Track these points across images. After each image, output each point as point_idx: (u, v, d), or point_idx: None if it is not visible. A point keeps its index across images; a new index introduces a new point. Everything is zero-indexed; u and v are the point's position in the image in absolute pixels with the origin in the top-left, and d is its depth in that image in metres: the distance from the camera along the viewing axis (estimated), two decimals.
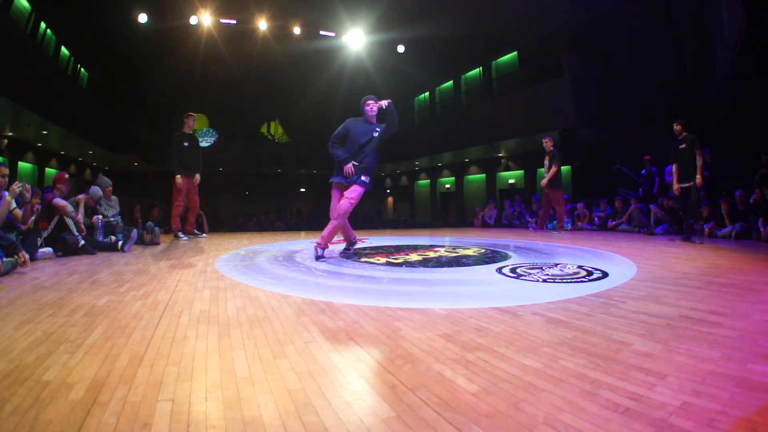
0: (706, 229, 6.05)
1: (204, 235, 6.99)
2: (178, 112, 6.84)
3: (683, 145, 5.47)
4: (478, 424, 1.02)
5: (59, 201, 4.49)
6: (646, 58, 9.42)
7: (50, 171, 12.83)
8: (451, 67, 15.06)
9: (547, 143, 7.70)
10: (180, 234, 6.36)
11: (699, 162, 5.28)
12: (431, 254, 4.27)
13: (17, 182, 3.80)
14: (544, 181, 7.53)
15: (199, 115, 5.99)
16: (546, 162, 7.63)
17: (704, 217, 6.27)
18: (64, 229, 4.50)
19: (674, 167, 5.59)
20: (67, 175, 4.79)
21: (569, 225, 8.52)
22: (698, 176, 5.28)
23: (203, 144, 14.58)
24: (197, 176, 6.38)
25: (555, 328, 1.77)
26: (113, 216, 5.42)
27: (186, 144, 6.26)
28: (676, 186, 5.57)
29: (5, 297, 2.43)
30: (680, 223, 7.10)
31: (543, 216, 7.86)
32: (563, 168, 12.31)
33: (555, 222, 8.14)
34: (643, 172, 8.56)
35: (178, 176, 6.13)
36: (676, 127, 5.58)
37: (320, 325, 1.89)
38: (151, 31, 11.15)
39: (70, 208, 4.54)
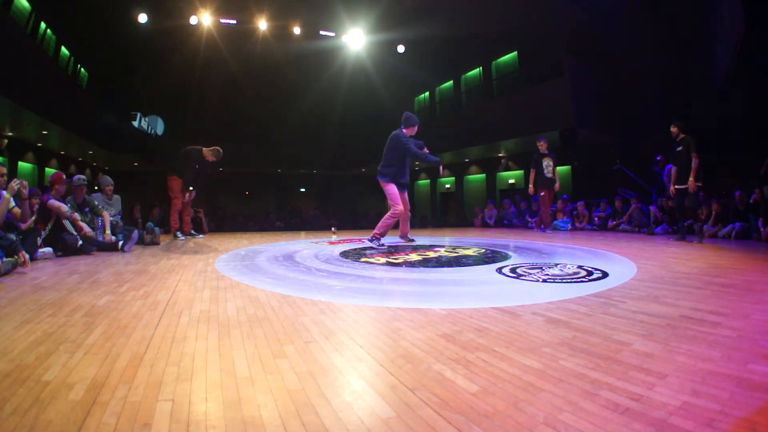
0: (705, 230, 6.03)
1: (201, 235, 7.02)
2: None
3: (680, 148, 5.43)
4: (478, 424, 1.02)
5: (54, 202, 4.48)
6: (646, 58, 9.42)
7: (50, 171, 12.83)
8: (451, 67, 15.04)
9: (543, 145, 7.73)
10: (178, 234, 6.42)
11: (694, 164, 5.22)
12: (431, 254, 4.27)
13: (15, 179, 3.79)
14: (557, 185, 7.68)
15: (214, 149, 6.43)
16: (551, 164, 7.63)
17: (702, 219, 6.27)
18: (63, 230, 4.50)
19: (673, 169, 5.58)
20: (64, 176, 4.78)
21: (569, 225, 8.53)
22: (691, 179, 5.23)
23: (157, 131, 15.04)
24: (193, 192, 6.72)
25: (555, 328, 1.77)
26: (113, 216, 5.43)
27: (197, 166, 6.48)
28: (672, 188, 5.57)
29: (5, 297, 2.43)
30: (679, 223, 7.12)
31: (546, 216, 8.00)
32: (563, 168, 12.40)
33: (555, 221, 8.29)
34: (657, 169, 8.36)
35: (186, 193, 6.44)
36: (673, 129, 5.53)
37: (320, 325, 1.89)
38: (151, 31, 11.15)
39: (65, 208, 4.53)
